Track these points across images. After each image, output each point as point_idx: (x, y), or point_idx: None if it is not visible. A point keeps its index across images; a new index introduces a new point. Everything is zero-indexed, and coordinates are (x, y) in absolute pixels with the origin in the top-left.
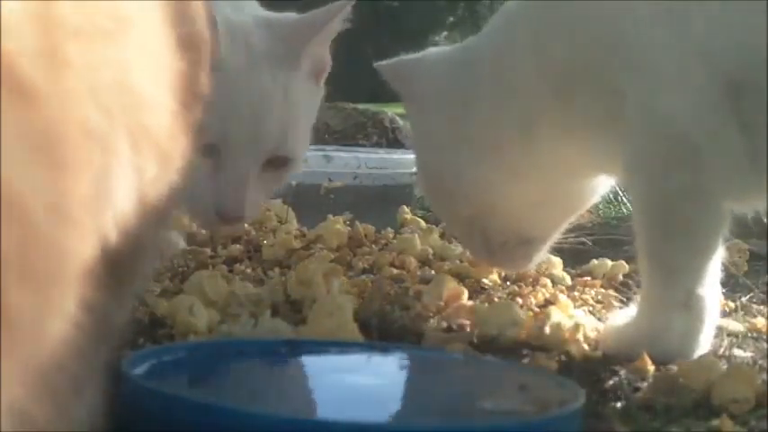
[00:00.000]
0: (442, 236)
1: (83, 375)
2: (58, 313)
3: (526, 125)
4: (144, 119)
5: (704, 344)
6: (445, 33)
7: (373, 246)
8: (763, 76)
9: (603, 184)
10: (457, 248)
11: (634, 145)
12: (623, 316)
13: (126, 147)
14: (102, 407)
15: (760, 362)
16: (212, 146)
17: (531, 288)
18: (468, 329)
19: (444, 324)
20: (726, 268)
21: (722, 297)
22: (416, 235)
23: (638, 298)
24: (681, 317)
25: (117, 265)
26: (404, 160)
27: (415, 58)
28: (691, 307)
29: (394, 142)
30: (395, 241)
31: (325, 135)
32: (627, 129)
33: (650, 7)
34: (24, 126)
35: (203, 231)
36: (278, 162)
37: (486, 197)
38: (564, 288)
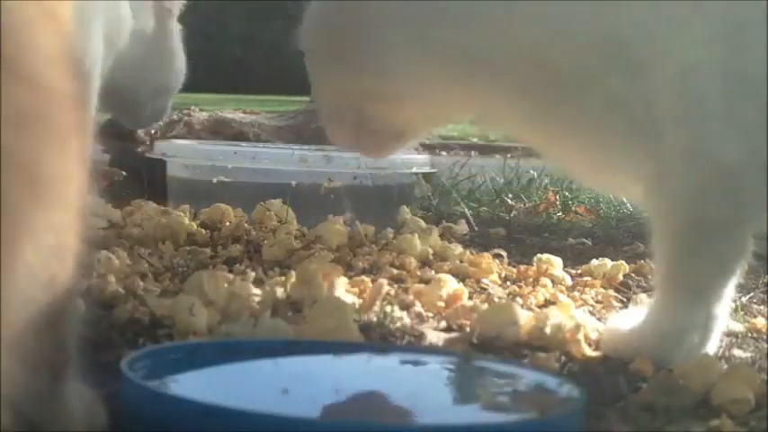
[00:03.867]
0: (441, 236)
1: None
2: None
3: None
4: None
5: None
6: None
7: (373, 246)
8: None
9: None
10: (457, 248)
11: (666, 173)
12: (626, 318)
13: None
14: (89, 404)
15: (760, 362)
16: None
17: (531, 288)
18: (468, 329)
19: (444, 324)
20: None
21: None
22: (416, 235)
23: (637, 298)
24: (695, 335)
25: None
26: (404, 160)
27: None
28: (706, 326)
29: None
30: (395, 241)
31: (325, 135)
32: (658, 158)
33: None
34: None
35: (203, 231)
36: None
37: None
38: (564, 288)
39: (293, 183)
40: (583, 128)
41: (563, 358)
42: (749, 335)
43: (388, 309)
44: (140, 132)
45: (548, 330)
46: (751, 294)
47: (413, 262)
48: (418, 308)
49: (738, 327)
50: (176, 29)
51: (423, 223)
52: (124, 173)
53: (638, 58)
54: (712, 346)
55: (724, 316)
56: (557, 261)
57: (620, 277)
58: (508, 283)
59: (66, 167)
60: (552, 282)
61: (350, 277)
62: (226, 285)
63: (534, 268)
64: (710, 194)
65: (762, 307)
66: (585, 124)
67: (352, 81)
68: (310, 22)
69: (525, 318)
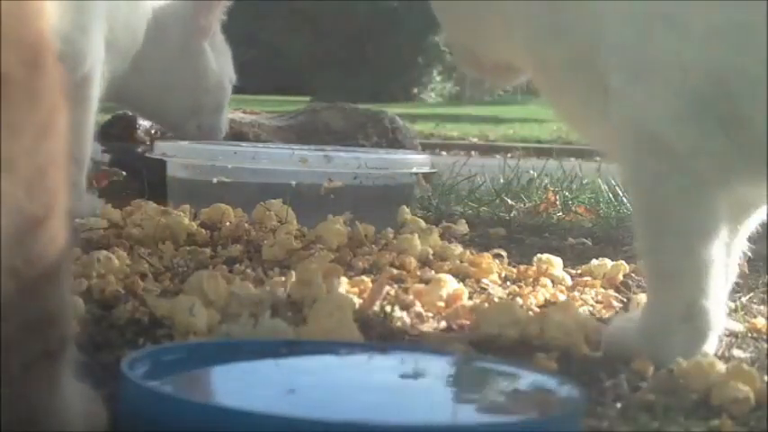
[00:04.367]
0: (441, 236)
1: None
2: None
3: None
4: None
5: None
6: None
7: (373, 246)
8: (739, 84)
9: None
10: (457, 248)
11: (616, 147)
12: (626, 319)
13: None
14: (89, 403)
15: (760, 362)
16: None
17: (531, 288)
18: (469, 329)
19: (444, 324)
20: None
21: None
22: (416, 235)
23: (637, 298)
24: (681, 329)
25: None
26: (404, 160)
27: None
28: (692, 318)
29: (394, 142)
30: (395, 241)
31: (325, 135)
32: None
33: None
34: None
35: (203, 231)
36: None
37: None
38: (564, 288)
39: (293, 183)
40: (575, 102)
41: (563, 358)
42: (749, 335)
43: (388, 309)
44: (140, 132)
45: (548, 330)
46: (751, 294)
47: (413, 262)
48: (418, 308)
49: (738, 327)
50: (219, 43)
51: (423, 223)
52: (124, 173)
53: (589, 44)
54: (711, 345)
55: (718, 312)
56: (557, 261)
57: (620, 277)
58: (508, 283)
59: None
60: (552, 282)
61: (350, 277)
62: (226, 285)
63: (534, 268)
64: (647, 166)
65: (762, 307)
66: (576, 99)
67: (464, 28)
68: None
69: (525, 318)
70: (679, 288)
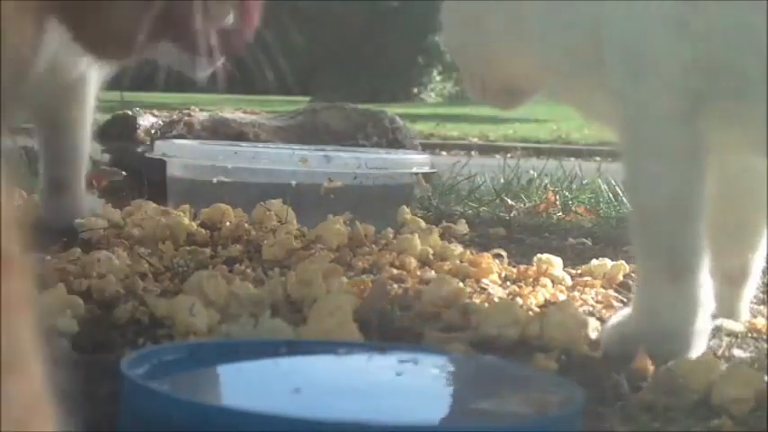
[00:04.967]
0: (441, 236)
1: None
2: None
3: None
4: None
5: (702, 338)
6: None
7: (373, 246)
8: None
9: None
10: (457, 248)
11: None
12: (622, 316)
13: None
14: None
15: (760, 362)
16: None
17: (531, 288)
18: (469, 329)
19: (444, 324)
20: None
21: None
22: (416, 235)
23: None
24: (671, 290)
25: None
26: (404, 160)
27: None
28: (678, 277)
29: (394, 142)
30: (395, 241)
31: (325, 135)
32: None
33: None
34: None
35: (203, 231)
36: None
37: None
38: (564, 288)
39: (293, 183)
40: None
41: (563, 358)
42: (749, 335)
43: (388, 309)
44: (140, 132)
45: (548, 330)
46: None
47: (413, 262)
48: (418, 308)
49: (738, 327)
50: None
51: (423, 223)
52: (124, 173)
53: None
54: (705, 329)
55: (708, 288)
56: (557, 261)
57: (620, 277)
58: (508, 283)
59: None
60: (552, 282)
61: (350, 277)
62: (226, 285)
63: (534, 268)
64: (647, 165)
65: (762, 307)
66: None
67: (475, 55)
68: (447, 16)
69: (525, 318)
70: (667, 248)
